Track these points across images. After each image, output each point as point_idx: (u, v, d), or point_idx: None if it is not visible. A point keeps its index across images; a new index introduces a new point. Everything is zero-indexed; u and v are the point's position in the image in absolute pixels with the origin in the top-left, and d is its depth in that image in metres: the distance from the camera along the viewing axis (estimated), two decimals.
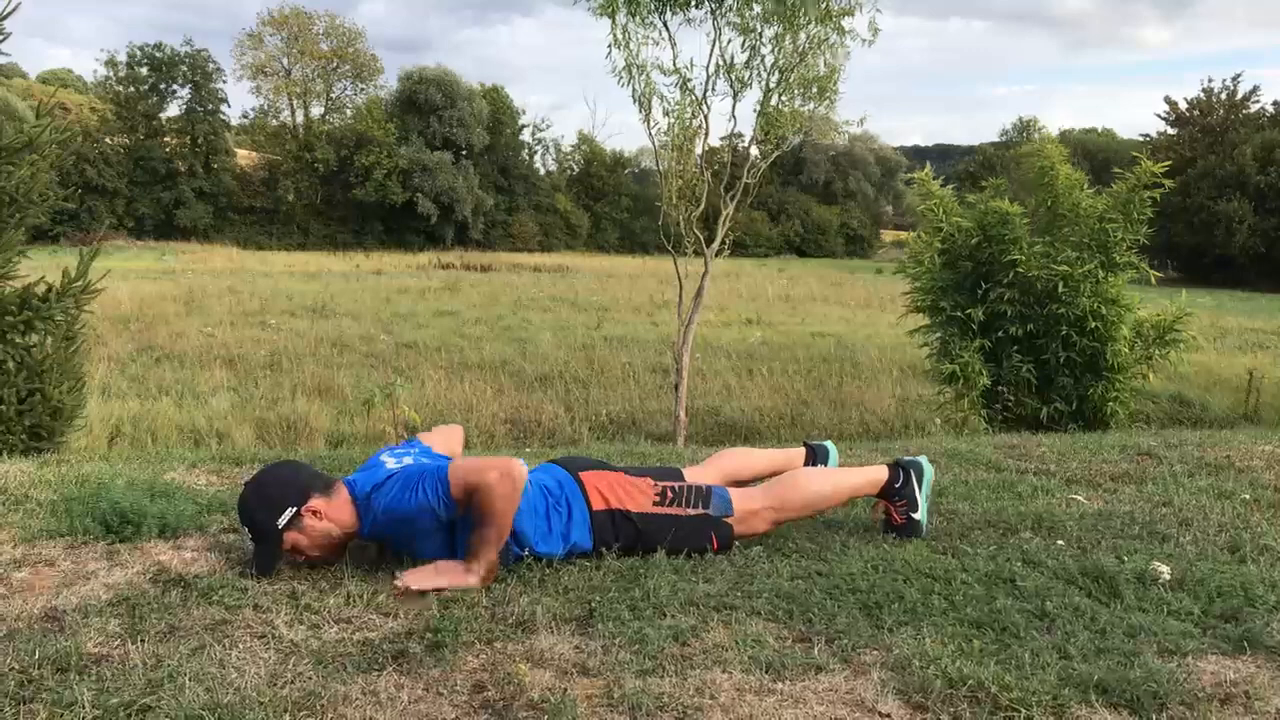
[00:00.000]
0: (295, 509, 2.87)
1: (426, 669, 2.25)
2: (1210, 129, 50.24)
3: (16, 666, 2.18)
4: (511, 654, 2.33)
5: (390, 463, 3.10)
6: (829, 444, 3.76)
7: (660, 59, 10.83)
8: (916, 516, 3.33)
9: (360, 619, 2.54)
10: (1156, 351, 9.42)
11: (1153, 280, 9.46)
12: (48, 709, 1.98)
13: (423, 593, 2.69)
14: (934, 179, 9.82)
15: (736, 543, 3.19)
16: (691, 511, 3.15)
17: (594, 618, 2.54)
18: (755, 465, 3.60)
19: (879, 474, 3.39)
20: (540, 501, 3.04)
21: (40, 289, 6.19)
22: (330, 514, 2.92)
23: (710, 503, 3.17)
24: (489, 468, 2.83)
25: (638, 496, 3.16)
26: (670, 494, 3.18)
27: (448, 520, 2.87)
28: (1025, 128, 71.92)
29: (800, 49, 10.48)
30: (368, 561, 3.01)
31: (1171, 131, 52.12)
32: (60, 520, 3.24)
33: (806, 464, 3.64)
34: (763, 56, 10.61)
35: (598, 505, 3.10)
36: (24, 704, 2.01)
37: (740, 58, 10.73)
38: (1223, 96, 51.53)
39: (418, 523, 2.87)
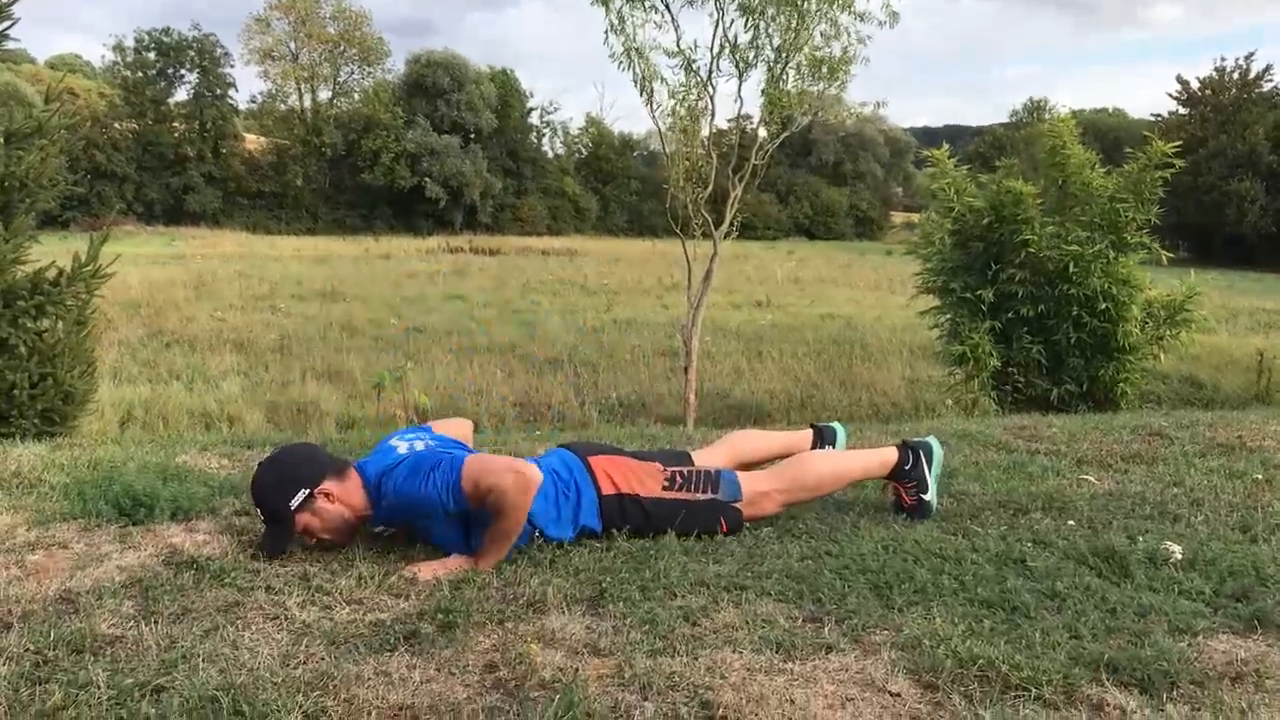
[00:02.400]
0: (308, 491, 2.88)
1: (438, 649, 2.26)
2: (1222, 108, 49.85)
3: (32, 647, 2.20)
4: (523, 634, 2.33)
5: (401, 447, 3.11)
6: (838, 425, 3.76)
7: (661, 41, 10.81)
8: (926, 498, 3.33)
9: (372, 600, 2.55)
10: (1167, 332, 9.38)
11: (1164, 260, 9.41)
12: (63, 689, 2.00)
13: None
14: (948, 158, 9.77)
15: (746, 525, 3.19)
16: (700, 496, 3.15)
17: (605, 598, 2.54)
18: (764, 447, 3.60)
19: (888, 456, 3.39)
20: (550, 487, 3.04)
21: (51, 274, 6.21)
22: (342, 497, 2.93)
23: (719, 487, 3.18)
24: (505, 470, 2.82)
25: (647, 481, 3.16)
26: (679, 479, 3.18)
27: (457, 513, 2.88)
28: (1036, 108, 71.49)
29: (800, 28, 10.43)
30: (380, 543, 3.02)
31: (1183, 111, 51.73)
32: (73, 503, 3.25)
33: (814, 447, 3.64)
34: (770, 36, 10.57)
35: (607, 490, 3.10)
36: (40, 684, 2.03)
37: (744, 38, 10.70)
38: (1235, 76, 51.10)
39: (429, 510, 2.87)
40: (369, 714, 1.96)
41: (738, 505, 3.18)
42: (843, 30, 10.73)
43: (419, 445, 3.12)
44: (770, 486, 3.25)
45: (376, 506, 2.97)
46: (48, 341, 6.10)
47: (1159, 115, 52.38)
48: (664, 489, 3.15)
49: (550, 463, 3.16)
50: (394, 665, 2.17)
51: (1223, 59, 53.04)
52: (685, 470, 3.22)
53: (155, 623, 2.36)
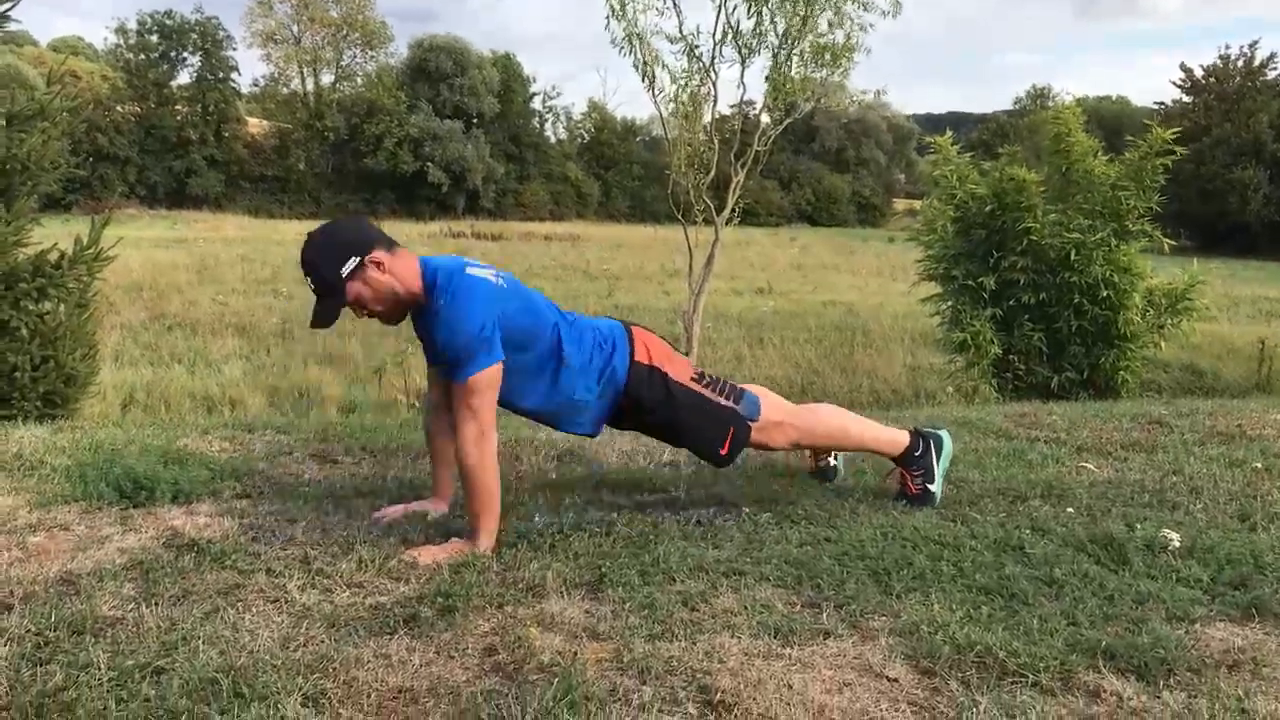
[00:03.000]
0: (359, 259, 2.86)
1: (438, 633, 2.27)
2: (1226, 96, 49.62)
3: (33, 629, 2.20)
4: (522, 618, 2.34)
5: (464, 260, 3.06)
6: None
7: (664, 27, 10.79)
8: (932, 488, 3.34)
9: (372, 584, 2.56)
10: (1168, 320, 9.37)
11: (1166, 249, 9.39)
12: (64, 670, 2.01)
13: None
14: (951, 145, 9.75)
15: (745, 450, 3.27)
16: (722, 400, 3.20)
17: (604, 583, 2.55)
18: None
19: (900, 437, 3.40)
20: (589, 337, 3.11)
21: (53, 256, 6.21)
22: (394, 269, 2.90)
23: (741, 400, 3.22)
24: (475, 419, 2.84)
25: (679, 366, 3.23)
26: (708, 378, 3.25)
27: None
28: (1039, 96, 71.27)
29: (807, 15, 10.41)
30: (380, 527, 3.02)
31: (1187, 99, 51.52)
32: (75, 486, 3.26)
33: (816, 462, 3.70)
34: (773, 23, 10.55)
35: (641, 358, 3.15)
36: (41, 665, 2.04)
37: (747, 24, 10.68)
38: (1239, 64, 50.83)
39: (447, 351, 2.88)
40: (368, 696, 1.97)
41: (752, 424, 3.21)
42: (846, 18, 10.71)
43: (488, 274, 3.02)
44: (786, 419, 3.28)
45: (431, 297, 2.91)
46: (49, 324, 6.10)
47: (1162, 103, 52.17)
48: (692, 379, 3.21)
49: (595, 321, 3.22)
50: (394, 648, 2.18)
51: (1227, 47, 52.82)
52: (716, 375, 3.30)
53: (156, 605, 2.37)
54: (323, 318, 2.89)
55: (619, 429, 3.49)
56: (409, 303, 2.97)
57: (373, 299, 2.91)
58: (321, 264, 2.87)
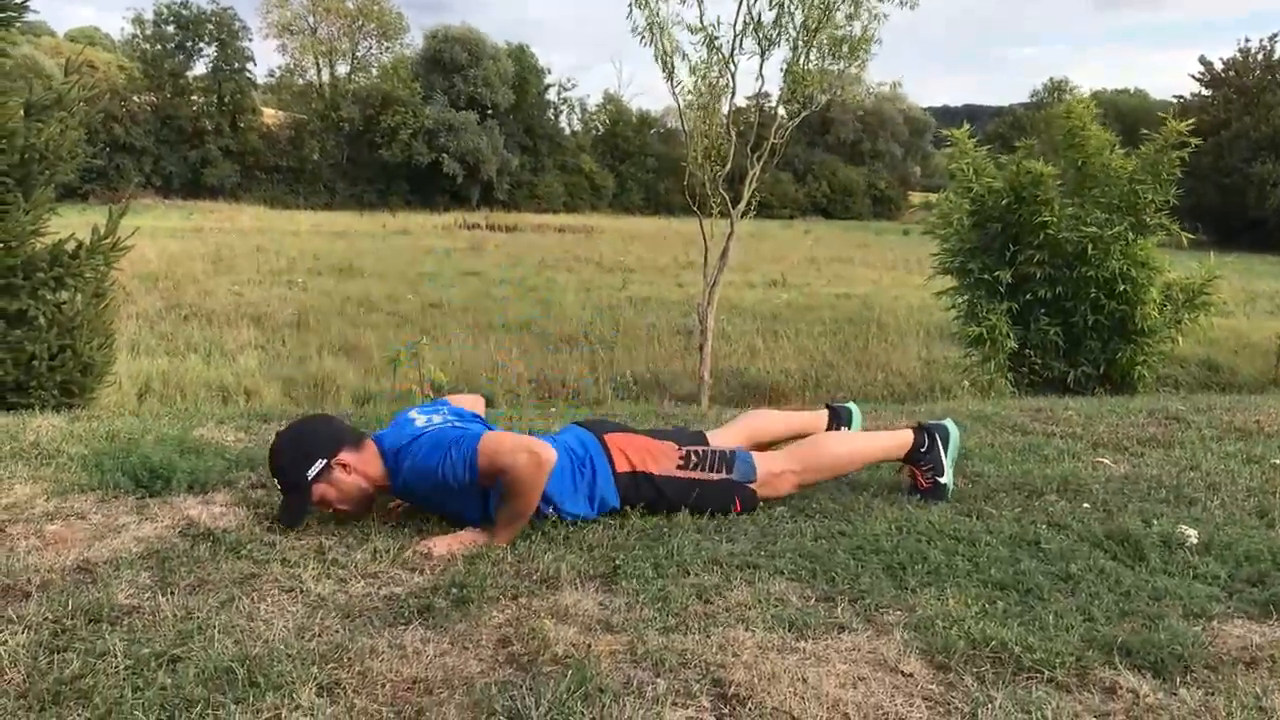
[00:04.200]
0: (325, 461, 2.89)
1: (452, 623, 2.27)
2: (1246, 90, 49.27)
3: (51, 616, 2.22)
4: (536, 610, 2.34)
5: (419, 420, 3.11)
6: (852, 405, 3.75)
7: (685, 17, 10.76)
8: (943, 481, 3.33)
9: (387, 574, 2.56)
10: (1186, 315, 9.32)
11: (1183, 243, 9.33)
12: (81, 658, 2.02)
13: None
14: (968, 138, 9.70)
15: (761, 504, 3.19)
16: (715, 476, 3.15)
17: (618, 575, 2.55)
18: (779, 428, 3.60)
19: (904, 438, 3.38)
20: (566, 462, 3.03)
21: (70, 246, 6.23)
22: (359, 467, 2.95)
23: (734, 467, 3.18)
24: (519, 449, 2.81)
25: (661, 460, 3.16)
26: (694, 458, 3.18)
27: (474, 489, 2.87)
28: (1056, 89, 70.84)
29: (828, 5, 10.37)
30: (395, 519, 3.03)
31: (1206, 93, 51.16)
32: (91, 474, 3.28)
33: (830, 427, 3.64)
34: (791, 14, 10.51)
35: (621, 467, 3.10)
36: (59, 653, 2.05)
37: (769, 16, 10.64)
38: (1259, 57, 50.46)
39: (446, 485, 2.87)
40: (383, 686, 1.97)
41: (752, 485, 3.18)
42: (863, 10, 10.67)
43: (436, 419, 3.12)
44: (785, 467, 3.25)
45: (394, 478, 2.98)
46: (67, 313, 6.13)
47: (1181, 97, 51.80)
48: (678, 468, 3.15)
49: (566, 440, 3.16)
50: (408, 639, 2.18)
51: (1246, 40, 52.33)
52: (700, 450, 3.22)
53: (172, 593, 2.38)
54: (290, 517, 2.90)
55: None
56: (375, 495, 3.01)
57: (338, 499, 2.94)
58: (287, 466, 2.91)
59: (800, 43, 10.62)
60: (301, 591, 2.42)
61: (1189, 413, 4.88)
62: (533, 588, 2.48)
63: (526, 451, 2.80)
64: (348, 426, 3.12)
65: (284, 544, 2.73)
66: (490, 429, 3.11)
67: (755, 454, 3.27)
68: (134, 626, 2.19)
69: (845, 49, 10.78)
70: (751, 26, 10.64)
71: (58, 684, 1.92)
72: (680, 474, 3.14)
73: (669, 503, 3.10)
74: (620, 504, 3.08)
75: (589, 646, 2.14)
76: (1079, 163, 9.39)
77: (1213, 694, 2.00)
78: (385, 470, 2.98)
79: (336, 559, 2.63)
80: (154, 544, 2.71)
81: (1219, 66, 51.17)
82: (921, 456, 3.35)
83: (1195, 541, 2.83)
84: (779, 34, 10.62)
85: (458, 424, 3.07)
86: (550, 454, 2.84)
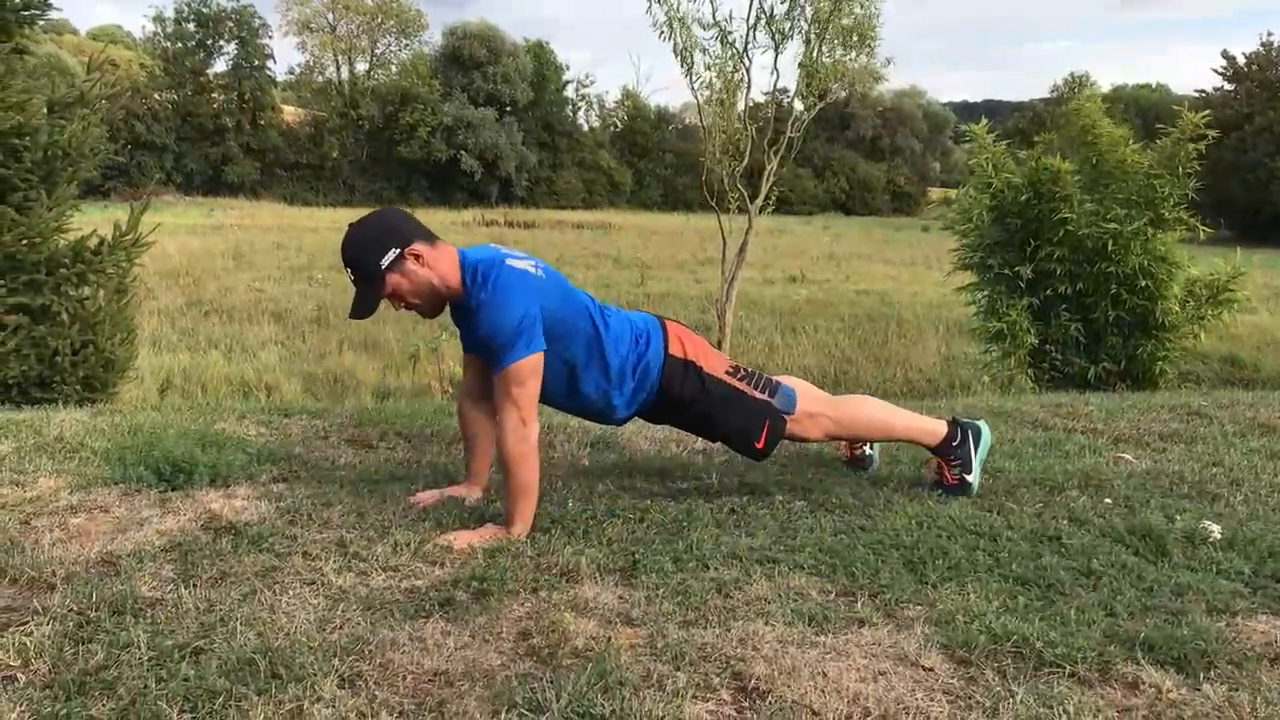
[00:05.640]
0: (399, 250, 2.87)
1: (473, 616, 2.28)
2: (1269, 84, 48.79)
3: (75, 608, 2.23)
4: (556, 603, 2.35)
5: (504, 252, 3.05)
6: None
7: (700, 12, 10.77)
8: (969, 479, 3.31)
9: (408, 567, 2.57)
10: (1208, 311, 9.24)
11: (1201, 236, 9.25)
12: (105, 649, 2.03)
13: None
14: (986, 133, 9.64)
15: (783, 441, 3.25)
16: (758, 393, 3.21)
17: (638, 569, 2.55)
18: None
19: (937, 427, 3.37)
20: (625, 330, 3.12)
21: (92, 242, 6.27)
22: (433, 262, 2.92)
23: (777, 393, 3.22)
24: (518, 405, 2.84)
25: (713, 360, 3.24)
26: (743, 372, 3.26)
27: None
28: (1077, 84, 70.39)
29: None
30: (415, 511, 3.04)
31: (1229, 87, 50.71)
32: (114, 468, 3.30)
33: (853, 453, 3.69)
34: (801, 7, 10.50)
35: (675, 351, 3.17)
36: (83, 644, 2.06)
37: (780, 9, 10.63)
38: None
39: (493, 345, 2.87)
40: (404, 679, 1.98)
41: (787, 417, 3.21)
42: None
43: (528, 265, 3.03)
44: (822, 410, 3.28)
45: (470, 292, 2.93)
46: (89, 309, 6.16)
47: (1203, 91, 51.35)
48: (727, 374, 3.22)
49: (631, 315, 3.24)
50: (429, 631, 2.19)
51: (1270, 33, 51.66)
52: (750, 369, 3.31)
53: (194, 586, 2.40)
54: (361, 308, 2.91)
55: (654, 423, 3.49)
56: (447, 297, 2.98)
57: (411, 291, 2.92)
58: (361, 255, 2.89)
59: (812, 35, 10.60)
60: (323, 584, 2.44)
61: (1211, 408, 4.85)
62: (553, 581, 2.48)
63: (518, 413, 2.84)
64: (422, 224, 3.05)
65: (305, 537, 2.74)
66: (583, 297, 3.14)
67: (798, 389, 3.30)
68: (157, 618, 2.21)
69: (855, 38, 10.76)
70: (764, 20, 10.63)
71: (82, 674, 1.93)
72: (727, 379, 3.20)
73: (707, 403, 3.15)
74: (660, 382, 3.13)
75: (609, 640, 2.14)
76: (1093, 159, 9.32)
77: (1236, 690, 1.99)
78: (461, 281, 2.95)
79: (358, 552, 2.64)
80: (176, 537, 2.73)
81: (1241, 61, 50.71)
82: (952, 450, 3.34)
83: (1218, 537, 2.81)
84: (791, 27, 10.62)
85: (544, 280, 3.00)
86: (533, 429, 2.87)
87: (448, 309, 3.06)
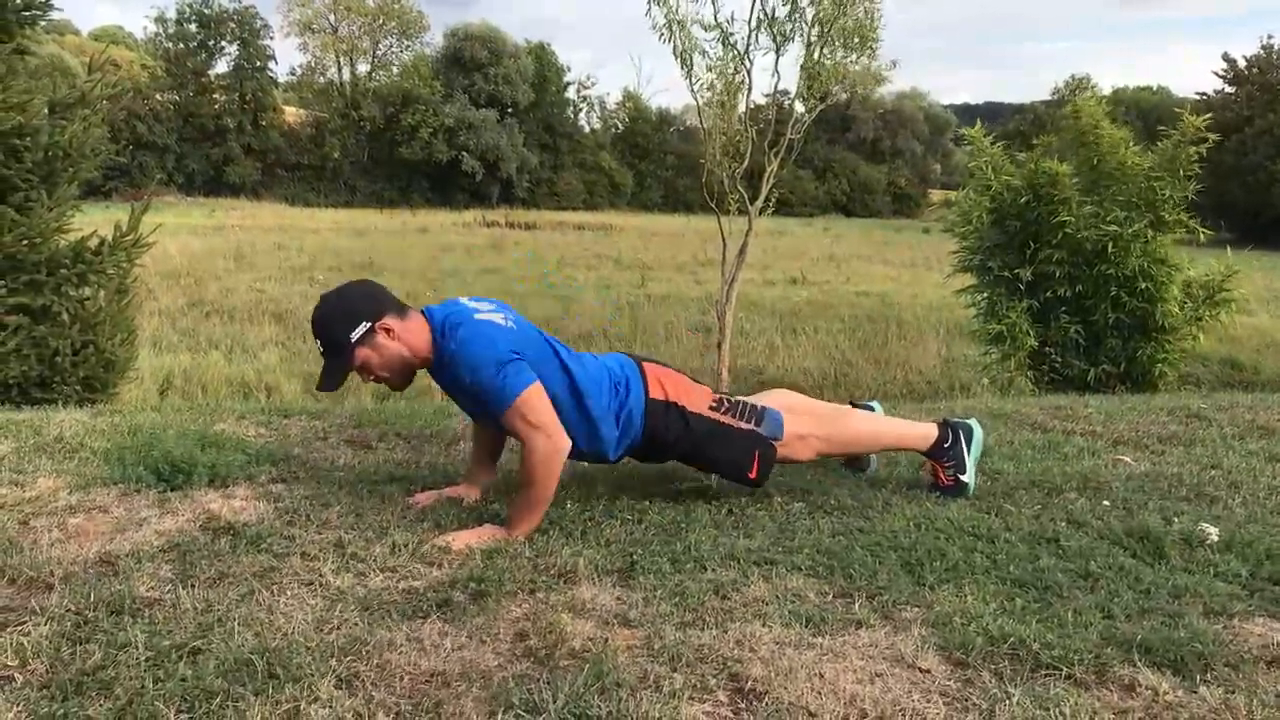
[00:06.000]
0: (369, 324, 2.89)
1: (470, 617, 2.28)
2: (1270, 87, 48.78)
3: (73, 608, 2.24)
4: (554, 604, 2.35)
5: (470, 306, 3.05)
6: (875, 404, 3.75)
7: (701, 14, 10.76)
8: (965, 479, 3.31)
9: (405, 568, 2.57)
10: (1207, 312, 9.24)
11: (1201, 239, 9.25)
12: (103, 649, 2.03)
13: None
14: (985, 136, 9.65)
15: (775, 467, 3.21)
16: (743, 424, 3.18)
17: (635, 570, 2.56)
18: (802, 407, 3.60)
19: (929, 431, 3.37)
20: (604, 377, 3.09)
21: (93, 243, 6.27)
22: (403, 335, 2.93)
23: (763, 421, 3.20)
24: (541, 431, 2.83)
25: (695, 398, 3.21)
26: (727, 404, 3.23)
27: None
28: (1077, 86, 70.38)
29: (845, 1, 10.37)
30: (414, 511, 3.04)
31: (1229, 89, 50.70)
32: (113, 468, 3.30)
33: None
34: (803, 9, 10.51)
35: (655, 394, 3.15)
36: (81, 644, 2.07)
37: (782, 10, 10.63)
38: None
39: (476, 395, 2.88)
40: (401, 679, 1.98)
41: (775, 443, 3.19)
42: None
43: (497, 316, 3.03)
44: (810, 431, 3.25)
45: (439, 352, 2.95)
46: (89, 310, 6.17)
47: (1204, 94, 51.35)
48: (710, 409, 3.19)
49: (606, 360, 3.21)
50: (426, 632, 2.19)
51: (1270, 36, 51.64)
52: (733, 398, 3.28)
53: (192, 586, 2.40)
54: (329, 381, 2.92)
55: (644, 463, 3.44)
56: (418, 367, 3.00)
57: (380, 365, 2.94)
58: (330, 328, 2.92)
59: (814, 37, 10.60)
60: (321, 585, 2.44)
61: (1210, 410, 4.85)
62: (550, 582, 2.48)
63: (545, 435, 2.82)
64: (393, 295, 3.08)
65: (304, 538, 2.74)
66: (556, 346, 3.11)
67: (786, 412, 3.27)
68: (155, 619, 2.21)
69: (856, 40, 10.76)
70: (766, 22, 10.63)
71: (80, 674, 1.93)
72: (711, 415, 3.17)
73: (693, 441, 3.12)
74: (645, 431, 3.11)
75: (606, 641, 2.14)
76: (1093, 161, 9.32)
77: (1233, 692, 1.99)
78: (431, 343, 2.96)
79: (356, 553, 2.64)
80: (175, 537, 2.73)
81: (1242, 64, 50.70)
82: (945, 452, 3.34)
83: (1216, 539, 2.81)
84: (792, 29, 10.61)
85: (518, 336, 2.99)
86: (565, 444, 2.86)
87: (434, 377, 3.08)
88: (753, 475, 3.16)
